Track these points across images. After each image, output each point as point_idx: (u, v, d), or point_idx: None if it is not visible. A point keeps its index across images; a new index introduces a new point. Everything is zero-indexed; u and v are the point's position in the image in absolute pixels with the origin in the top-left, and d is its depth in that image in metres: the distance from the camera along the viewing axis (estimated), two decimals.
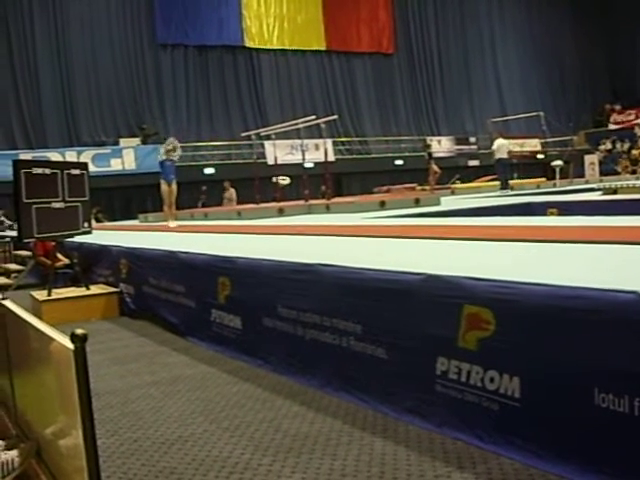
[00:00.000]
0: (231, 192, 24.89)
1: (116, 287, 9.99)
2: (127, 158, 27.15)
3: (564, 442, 3.49)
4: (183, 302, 7.88)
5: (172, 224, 14.24)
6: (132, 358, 7.05)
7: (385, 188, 28.65)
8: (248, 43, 33.63)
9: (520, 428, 3.71)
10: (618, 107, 44.91)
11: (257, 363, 6.18)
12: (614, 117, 45.05)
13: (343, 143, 33.81)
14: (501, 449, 3.75)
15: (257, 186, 21.43)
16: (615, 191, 16.21)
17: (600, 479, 3.26)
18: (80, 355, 2.42)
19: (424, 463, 3.77)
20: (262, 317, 6.14)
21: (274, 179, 22.75)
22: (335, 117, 23.60)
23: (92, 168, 19.13)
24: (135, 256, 9.44)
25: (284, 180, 22.98)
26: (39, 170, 9.14)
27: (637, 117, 43.49)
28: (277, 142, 23.85)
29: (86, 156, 24.94)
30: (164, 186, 14.07)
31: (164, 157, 14.06)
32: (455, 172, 32.39)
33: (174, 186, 14.18)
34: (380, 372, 4.71)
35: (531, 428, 3.66)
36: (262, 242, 8.83)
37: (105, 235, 12.94)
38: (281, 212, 16.65)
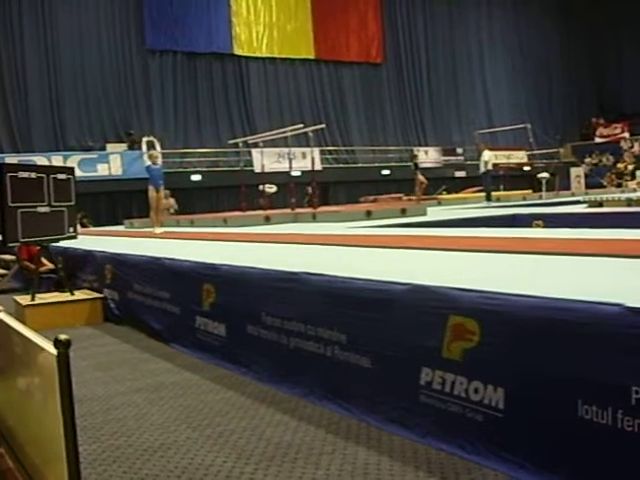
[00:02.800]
0: (170, 202, 24.17)
1: (100, 293, 9.95)
2: (114, 163, 27.06)
3: (548, 453, 3.49)
4: (167, 308, 7.85)
5: (158, 230, 14.21)
6: (115, 364, 7.02)
7: (372, 198, 28.68)
8: (237, 51, 33.62)
9: (504, 439, 3.71)
10: (603, 121, 45.18)
11: (241, 371, 6.16)
12: (600, 130, 45.30)
13: (330, 152, 33.82)
14: (485, 460, 3.75)
15: (244, 194, 21.41)
16: (601, 204, 16.29)
17: None
18: (63, 361, 2.41)
19: (407, 473, 3.77)
20: (246, 325, 6.13)
21: (261, 187, 22.74)
22: (323, 126, 23.63)
23: (78, 173, 19.01)
24: (120, 262, 9.41)
25: (271, 188, 22.98)
26: (25, 174, 9.10)
27: (623, 131, 43.76)
28: (264, 150, 23.89)
29: (72, 161, 24.82)
30: (152, 192, 14.03)
31: (148, 162, 14.04)
32: (442, 183, 32.46)
33: (162, 192, 14.15)
34: (364, 382, 4.70)
35: (515, 439, 3.66)
36: (247, 250, 8.82)
37: (91, 240, 12.89)
38: (267, 220, 16.64)
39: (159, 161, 14.33)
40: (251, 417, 4.94)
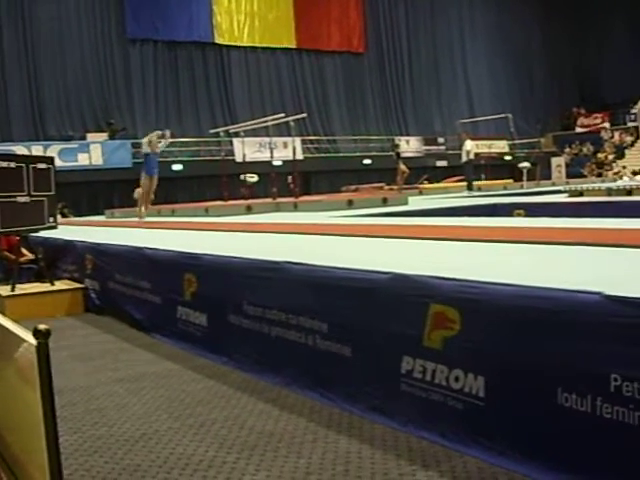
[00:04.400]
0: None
1: (81, 283, 9.91)
2: (94, 153, 26.96)
3: (528, 441, 3.51)
4: (149, 298, 7.84)
5: (144, 218, 14.23)
6: (96, 355, 7.00)
7: (353, 187, 28.70)
8: (218, 40, 33.52)
9: (484, 427, 3.73)
10: (583, 111, 45.41)
11: (222, 360, 6.15)
12: (581, 120, 45.53)
13: (312, 141, 33.81)
14: (465, 448, 3.77)
15: (225, 183, 21.36)
16: (581, 193, 16.37)
17: (562, 477, 3.29)
18: (43, 351, 2.40)
19: (389, 461, 3.78)
20: (228, 314, 6.13)
21: (242, 176, 22.69)
22: (304, 115, 23.60)
23: (58, 163, 18.95)
24: (100, 252, 9.37)
25: (252, 178, 22.92)
26: (4, 164, 9.04)
27: (603, 121, 44.01)
28: (246, 139, 23.79)
29: (53, 150, 24.68)
30: (145, 180, 13.99)
31: (149, 150, 13.95)
32: (423, 172, 32.52)
33: (155, 180, 14.10)
34: (345, 370, 4.71)
35: (495, 427, 3.68)
36: (229, 239, 8.80)
37: (72, 230, 12.81)
38: (249, 210, 16.61)
39: (158, 150, 14.37)
40: (233, 406, 4.94)
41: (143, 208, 14.44)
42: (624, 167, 35.90)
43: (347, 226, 9.75)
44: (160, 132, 14.84)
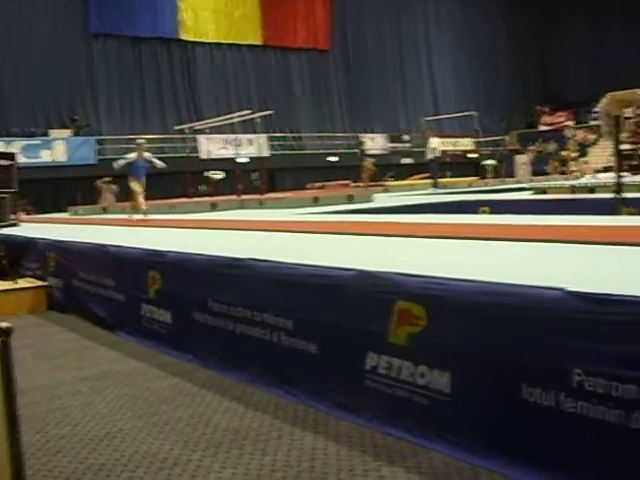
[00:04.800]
0: (112, 188, 23.72)
1: (44, 281, 9.81)
2: (57, 150, 26.70)
3: (493, 436, 3.54)
4: (112, 296, 7.78)
5: (137, 216, 13.97)
6: (60, 353, 6.93)
7: (318, 184, 28.70)
8: (183, 36, 33.33)
9: (450, 423, 3.75)
10: (547, 109, 45.80)
11: (187, 358, 6.12)
12: (544, 119, 45.91)
13: (277, 139, 33.75)
14: (431, 443, 3.78)
15: (190, 180, 21.27)
16: (545, 191, 16.50)
17: (527, 472, 3.32)
18: (4, 349, 2.37)
19: (354, 457, 3.79)
20: (193, 311, 6.10)
21: (207, 173, 22.60)
22: (270, 112, 23.55)
23: (21, 159, 18.80)
24: (63, 249, 9.28)
25: (217, 175, 22.84)
26: None
27: (567, 119, 44.40)
28: (211, 136, 23.74)
29: (15, 147, 24.37)
30: (133, 183, 13.75)
31: (136, 158, 13.69)
32: (388, 169, 32.59)
33: (143, 182, 13.86)
34: (311, 367, 4.71)
35: (461, 422, 3.70)
36: (194, 236, 8.76)
37: (35, 228, 12.67)
38: (214, 207, 16.56)
39: (145, 155, 13.93)
40: (198, 404, 4.92)
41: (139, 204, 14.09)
42: (584, 162, 36.27)
43: (312, 223, 9.75)
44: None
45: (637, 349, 2.96)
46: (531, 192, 16.82)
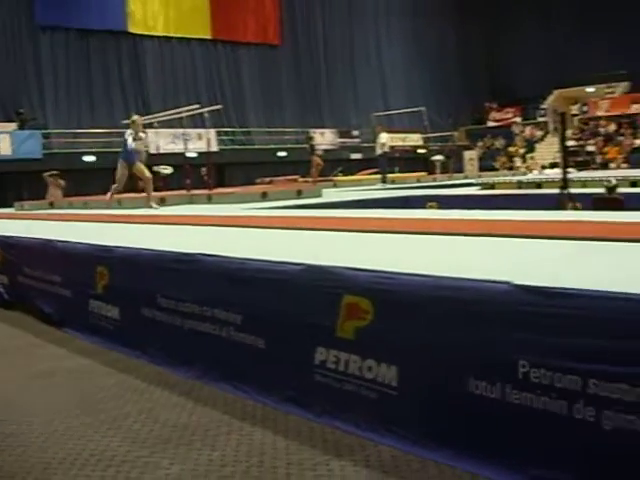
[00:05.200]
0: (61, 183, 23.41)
1: None
2: (3, 143, 26.22)
3: (440, 429, 3.58)
4: (60, 292, 7.68)
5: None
6: (5, 351, 6.84)
7: (267, 179, 28.67)
8: (132, 29, 32.96)
9: (398, 416, 3.78)
10: (495, 105, 46.32)
11: (135, 354, 6.08)
12: (493, 115, 46.44)
13: (227, 133, 33.61)
14: (379, 437, 3.81)
15: (138, 175, 21.04)
16: (492, 186, 16.72)
17: (474, 463, 3.37)
18: None
19: (303, 452, 3.80)
20: (141, 307, 6.05)
21: (155, 168, 22.42)
22: (219, 107, 23.47)
23: None
24: (8, 245, 9.14)
25: (166, 169, 22.66)
26: None
27: (514, 115, 44.97)
28: (159, 131, 23.57)
29: None
30: (123, 169, 13.36)
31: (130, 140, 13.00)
32: (338, 165, 32.66)
33: (140, 166, 13.51)
34: (259, 362, 4.71)
35: (408, 415, 3.74)
36: (142, 231, 8.70)
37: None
38: (162, 202, 16.43)
39: (142, 135, 13.23)
40: (146, 400, 4.89)
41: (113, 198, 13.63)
42: (531, 158, 36.80)
43: (261, 218, 9.74)
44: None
45: (581, 341, 3.01)
46: (479, 187, 17.03)
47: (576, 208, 11.19)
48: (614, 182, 11.90)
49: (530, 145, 40.95)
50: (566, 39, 41.78)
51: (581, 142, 38.73)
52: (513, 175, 26.05)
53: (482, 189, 16.56)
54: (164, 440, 4.08)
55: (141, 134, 12.57)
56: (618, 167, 31.07)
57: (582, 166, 31.76)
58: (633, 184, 14.66)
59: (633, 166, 31.19)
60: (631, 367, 2.86)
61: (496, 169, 35.54)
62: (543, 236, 5.32)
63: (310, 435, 4.03)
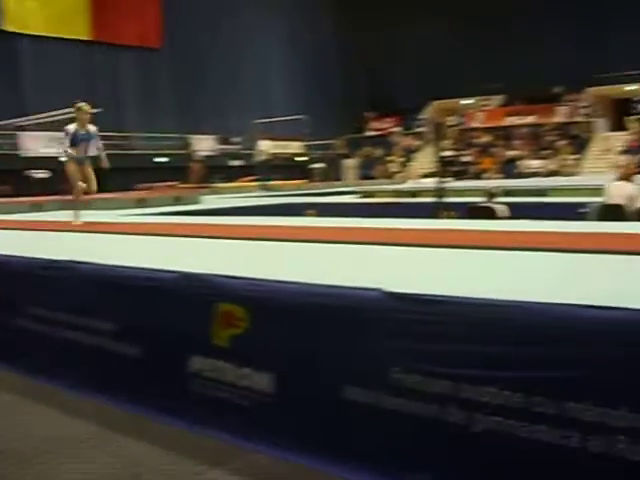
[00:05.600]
0: None
1: None
2: None
3: (316, 435, 3.61)
4: None
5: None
6: None
7: (146, 185, 28.27)
8: (7, 26, 31.88)
9: (273, 423, 3.79)
10: (375, 115, 47.06)
11: (5, 366, 5.88)
12: (372, 124, 47.14)
13: (104, 137, 32.91)
14: (254, 444, 3.80)
15: (11, 179, 20.48)
16: (371, 194, 16.96)
17: (350, 469, 3.40)
18: None
19: (178, 462, 3.76)
20: (12, 317, 5.86)
21: (30, 172, 21.84)
22: (97, 110, 22.98)
23: None
24: None
25: (40, 174, 22.09)
26: None
27: (394, 125, 45.79)
28: (35, 133, 22.90)
29: None
30: (72, 166, 10.32)
31: (76, 129, 10.35)
32: (218, 171, 32.48)
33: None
34: (134, 371, 4.64)
35: (284, 423, 3.75)
36: (13, 237, 8.44)
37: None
38: (36, 207, 15.98)
39: (91, 128, 10.52)
40: (17, 413, 4.73)
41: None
42: (410, 168, 37.56)
43: (136, 225, 9.60)
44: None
45: (452, 347, 3.10)
46: (357, 195, 17.23)
47: (451, 217, 11.46)
48: (495, 190, 12.20)
49: (408, 155, 41.76)
50: (445, 53, 42.77)
51: (457, 152, 39.75)
52: (391, 184, 26.50)
53: (361, 197, 16.78)
54: (36, 453, 3.96)
55: (89, 126, 10.39)
56: (491, 177, 31.97)
57: (458, 176, 32.59)
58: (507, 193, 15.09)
59: (506, 176, 32.20)
60: (499, 371, 2.96)
61: (375, 178, 36.06)
62: (417, 244, 5.43)
63: (185, 445, 3.99)
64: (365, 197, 16.86)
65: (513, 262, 4.54)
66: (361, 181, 29.59)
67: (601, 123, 38.82)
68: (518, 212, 10.88)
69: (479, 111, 42.91)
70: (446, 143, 37.31)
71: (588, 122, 38.83)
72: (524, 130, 40.35)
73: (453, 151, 39.20)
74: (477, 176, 34.73)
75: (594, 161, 34.98)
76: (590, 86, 38.50)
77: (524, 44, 39.05)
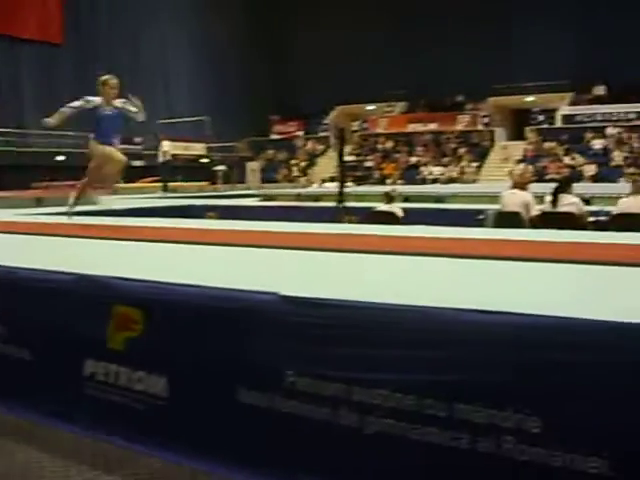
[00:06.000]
0: None
1: None
2: None
3: (211, 439, 3.59)
4: None
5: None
6: None
7: (44, 184, 27.62)
8: None
9: (168, 427, 3.75)
10: (279, 118, 47.18)
11: None
12: (276, 128, 47.24)
13: (2, 134, 32.10)
14: (150, 449, 3.76)
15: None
16: (273, 198, 16.98)
17: (247, 473, 3.41)
18: None
19: (71, 468, 3.69)
20: None
21: None
22: None
23: None
24: None
25: None
26: None
27: (297, 129, 45.98)
28: None
29: None
30: (100, 149, 9.28)
31: (100, 104, 9.04)
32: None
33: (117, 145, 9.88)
34: (27, 376, 4.52)
35: (179, 427, 3.72)
36: None
37: None
38: None
39: (118, 102, 9.11)
40: None
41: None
42: (313, 172, 37.77)
43: (34, 225, 9.37)
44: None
45: (345, 350, 3.14)
46: (259, 199, 17.22)
47: (351, 221, 11.57)
48: (394, 194, 12.37)
49: (312, 159, 41.99)
50: (350, 56, 43.12)
51: (360, 158, 40.17)
52: (294, 187, 26.59)
53: (262, 200, 16.78)
54: None
55: (116, 102, 8.93)
56: (394, 182, 32.42)
57: (360, 181, 32.95)
58: (405, 199, 15.32)
59: (408, 182, 32.71)
60: (391, 374, 3.02)
61: (278, 181, 36.16)
62: (315, 248, 5.47)
63: (78, 450, 3.91)
64: (266, 200, 16.87)
65: (410, 267, 4.62)
66: (264, 184, 29.59)
67: (501, 132, 39.80)
68: (418, 218, 11.04)
69: (382, 117, 43.48)
70: (349, 148, 37.64)
71: (488, 131, 39.76)
72: (426, 137, 41.07)
73: (356, 156, 39.61)
74: (379, 181, 35.18)
75: (493, 169, 35.85)
76: (491, 96, 39.45)
77: (428, 52, 39.81)
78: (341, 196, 12.41)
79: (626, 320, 2.64)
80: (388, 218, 11.16)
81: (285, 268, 4.63)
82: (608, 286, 3.86)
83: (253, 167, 33.77)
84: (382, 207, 11.84)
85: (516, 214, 10.20)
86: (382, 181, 35.48)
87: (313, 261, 4.97)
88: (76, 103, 8.87)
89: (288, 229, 7.64)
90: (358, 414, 3.10)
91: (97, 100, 8.86)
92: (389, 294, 3.25)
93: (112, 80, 9.13)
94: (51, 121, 8.89)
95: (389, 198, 12.00)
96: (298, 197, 16.82)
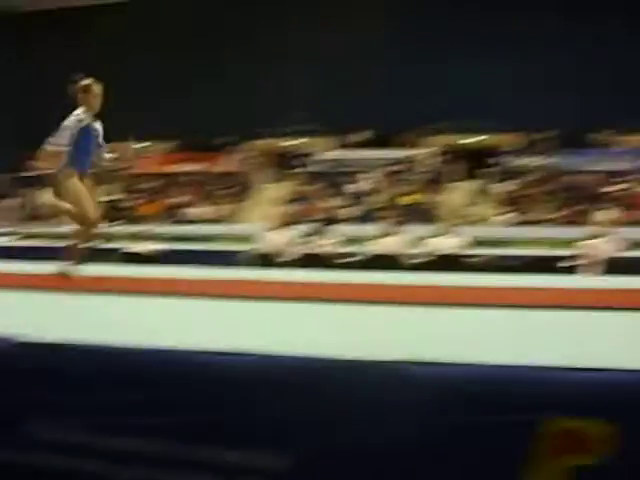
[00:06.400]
0: None
1: None
2: None
3: None
4: None
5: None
6: None
7: None
8: None
9: None
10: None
11: None
12: (33, 163, 45.39)
13: None
14: None
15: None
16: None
17: None
18: None
19: None
20: None
21: None
22: None
23: None
24: None
25: None
26: None
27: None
28: None
29: None
30: (74, 182, 6.58)
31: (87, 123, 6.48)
32: None
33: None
34: None
35: None
36: None
37: None
38: None
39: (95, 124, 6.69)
40: None
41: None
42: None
43: None
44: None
45: (84, 395, 3.03)
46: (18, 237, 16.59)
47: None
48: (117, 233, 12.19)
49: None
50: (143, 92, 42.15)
51: (120, 196, 39.55)
52: (50, 226, 25.72)
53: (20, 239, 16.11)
54: None
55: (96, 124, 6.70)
56: (153, 222, 31.96)
57: (115, 220, 32.32)
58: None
59: (171, 222, 32.51)
60: (133, 418, 2.96)
61: (42, 219, 34.75)
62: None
63: None
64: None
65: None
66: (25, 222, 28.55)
67: (264, 175, 40.51)
68: (177, 258, 11.00)
69: (146, 157, 42.98)
70: (110, 187, 36.87)
71: (252, 173, 40.34)
72: (190, 177, 41.05)
73: (116, 195, 38.91)
74: (137, 220, 34.62)
75: (255, 211, 36.38)
76: (254, 139, 40.10)
77: (201, 93, 39.76)
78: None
79: None
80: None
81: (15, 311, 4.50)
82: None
83: (10, 205, 32.47)
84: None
85: (275, 254, 10.45)
86: (140, 220, 34.90)
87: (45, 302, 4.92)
88: (66, 132, 6.34)
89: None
90: (104, 462, 3.00)
91: (82, 116, 6.43)
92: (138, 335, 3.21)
93: (96, 86, 6.55)
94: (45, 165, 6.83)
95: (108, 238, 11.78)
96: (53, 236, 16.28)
